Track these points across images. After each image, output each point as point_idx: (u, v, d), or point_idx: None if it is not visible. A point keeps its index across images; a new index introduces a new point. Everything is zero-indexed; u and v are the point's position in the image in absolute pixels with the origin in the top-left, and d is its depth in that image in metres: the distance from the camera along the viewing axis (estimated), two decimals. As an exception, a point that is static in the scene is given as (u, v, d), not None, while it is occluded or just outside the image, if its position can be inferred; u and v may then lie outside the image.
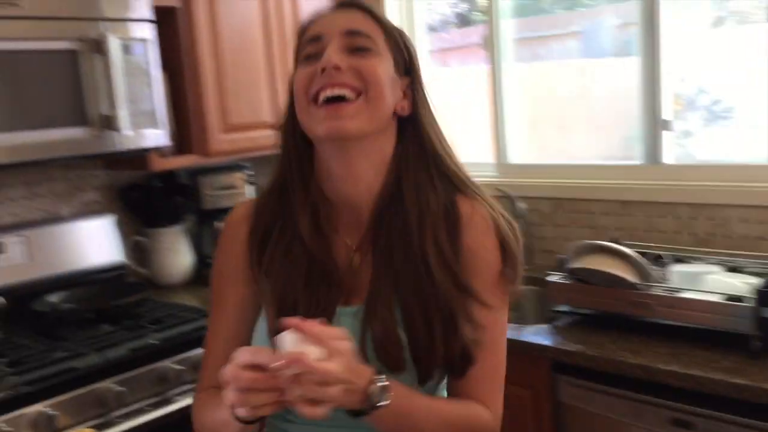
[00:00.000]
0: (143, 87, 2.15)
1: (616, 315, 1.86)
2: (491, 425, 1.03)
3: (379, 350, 0.96)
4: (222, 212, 2.58)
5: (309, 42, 1.02)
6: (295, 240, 1.02)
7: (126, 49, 2.10)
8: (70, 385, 1.75)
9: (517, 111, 2.72)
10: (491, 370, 1.04)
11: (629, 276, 1.83)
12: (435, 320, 0.97)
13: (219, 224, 2.57)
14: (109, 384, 1.80)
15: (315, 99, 0.98)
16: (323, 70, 0.97)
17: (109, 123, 2.05)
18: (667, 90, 2.33)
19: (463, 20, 2.99)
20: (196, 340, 1.98)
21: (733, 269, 1.92)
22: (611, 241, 1.97)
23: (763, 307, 1.59)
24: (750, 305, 1.62)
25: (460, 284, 0.99)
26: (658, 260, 2.03)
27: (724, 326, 1.67)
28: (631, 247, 1.94)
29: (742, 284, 1.75)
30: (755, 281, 1.75)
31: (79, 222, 2.37)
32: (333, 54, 0.97)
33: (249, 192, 2.65)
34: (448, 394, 1.07)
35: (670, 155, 2.35)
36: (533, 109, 2.74)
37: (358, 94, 0.98)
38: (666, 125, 2.33)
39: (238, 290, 1.07)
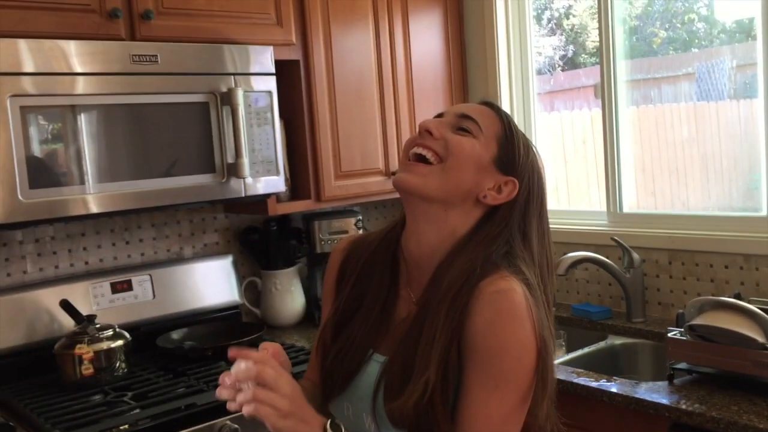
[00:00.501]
0: (264, 136, 2.26)
1: (741, 375, 1.77)
2: None
3: (389, 404, 1.04)
4: (333, 256, 2.67)
5: (435, 117, 1.15)
6: (368, 279, 1.16)
7: (250, 100, 2.23)
8: (190, 421, 1.83)
9: (630, 157, 2.66)
10: None
11: (755, 335, 1.73)
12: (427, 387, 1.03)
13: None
14: (225, 421, 1.87)
15: (407, 154, 1.11)
16: (420, 132, 1.11)
17: (233, 171, 2.17)
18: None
19: (570, 63, 2.97)
20: (307, 381, 2.03)
21: None
22: (734, 297, 1.88)
23: None
24: None
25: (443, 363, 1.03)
26: (786, 318, 1.92)
27: None
28: (755, 304, 1.84)
29: None
30: None
31: (201, 262, 2.50)
32: (432, 122, 1.10)
33: (359, 237, 2.71)
34: None
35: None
36: (646, 155, 2.67)
37: (440, 160, 1.08)
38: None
39: (329, 307, 1.24)
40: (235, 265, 2.58)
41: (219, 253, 2.60)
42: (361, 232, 2.71)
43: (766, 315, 1.77)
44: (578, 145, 2.89)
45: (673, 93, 2.68)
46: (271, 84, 2.28)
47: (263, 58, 2.26)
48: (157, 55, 2.03)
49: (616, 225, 2.63)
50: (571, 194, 2.94)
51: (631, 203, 2.66)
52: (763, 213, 2.28)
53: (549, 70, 3.01)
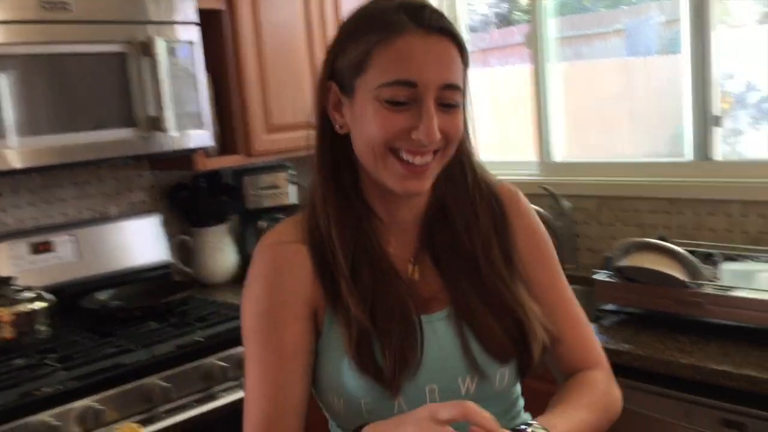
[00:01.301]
0: (189, 89, 2.18)
1: (665, 314, 1.82)
2: (608, 380, 1.08)
3: (485, 342, 0.98)
4: (265, 212, 2.62)
5: (399, 84, 0.92)
6: (364, 257, 0.99)
7: (172, 51, 2.14)
8: (118, 381, 1.78)
9: (560, 109, 2.69)
10: (579, 333, 1.08)
11: (679, 274, 1.78)
12: (506, 320, 0.99)
13: (263, 224, 2.61)
14: (155, 380, 1.83)
15: (393, 150, 0.94)
16: (419, 141, 0.93)
17: (155, 124, 2.09)
18: (716, 86, 2.27)
19: (504, 20, 2.96)
20: (240, 337, 2.00)
21: (787, 267, 1.86)
22: (659, 239, 1.93)
23: (820, 305, 1.54)
24: (806, 304, 1.56)
25: (512, 291, 1.01)
26: (708, 258, 1.98)
27: (779, 326, 1.61)
28: (680, 246, 1.89)
29: (798, 282, 1.70)
30: (812, 279, 1.69)
31: (127, 221, 2.42)
32: (435, 129, 0.92)
33: (292, 191, 2.67)
34: (557, 375, 1.10)
35: (719, 152, 2.29)
36: (577, 108, 2.69)
37: (437, 150, 0.97)
38: (716, 121, 2.28)
39: (299, 327, 0.98)
40: (164, 223, 2.51)
41: (146, 211, 2.52)
42: (292, 186, 2.67)
43: (689, 255, 1.82)
44: (513, 100, 2.90)
45: (603, 49, 2.70)
46: (193, 34, 2.19)
47: (185, 6, 2.16)
48: (68, 2, 1.92)
49: (546, 174, 2.66)
50: (507, 148, 2.95)
51: (563, 154, 2.68)
52: (687, 158, 2.34)
53: (484, 27, 3.00)
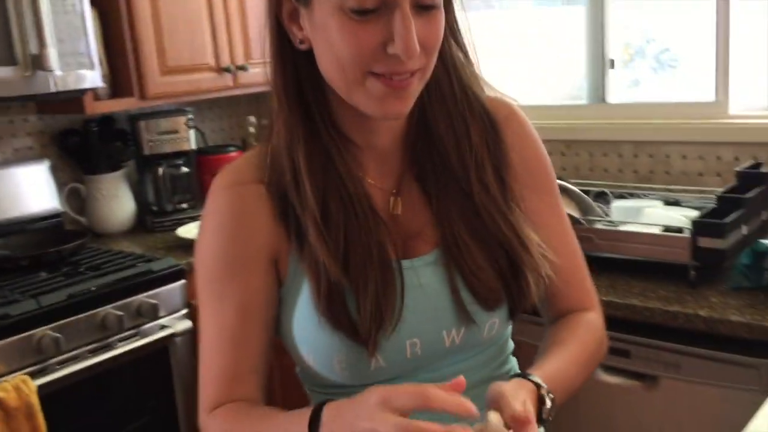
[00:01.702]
0: (74, 25, 2.05)
1: (559, 250, 1.87)
2: (601, 322, 1.00)
3: (476, 290, 0.86)
4: (163, 158, 2.53)
5: None
6: (335, 193, 0.85)
7: (54, -15, 2.00)
8: (4, 333, 1.70)
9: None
10: (577, 270, 0.98)
11: (572, 211, 1.84)
12: (498, 255, 0.87)
13: (166, 170, 2.52)
14: (45, 331, 1.76)
15: (369, 72, 0.79)
16: (399, 55, 0.77)
17: (38, 63, 1.96)
18: (613, 33, 2.33)
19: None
20: (136, 285, 1.94)
21: (672, 203, 1.95)
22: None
23: (698, 237, 1.62)
24: (687, 236, 1.64)
25: (508, 219, 0.88)
26: (601, 197, 2.05)
27: (663, 257, 1.69)
28: (575, 185, 1.95)
29: (681, 217, 1.78)
30: (693, 214, 1.78)
31: (12, 168, 2.28)
32: (415, 40, 0.76)
33: (192, 137, 2.58)
34: (546, 315, 1.01)
35: (615, 97, 2.36)
36: (486, 55, 2.71)
37: (422, 63, 0.81)
38: (611, 65, 2.34)
39: (258, 280, 0.87)
40: (53, 170, 2.38)
41: (33, 158, 2.38)
42: (192, 132, 2.58)
43: (581, 192, 1.87)
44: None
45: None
46: (77, -34, 2.05)
47: (66, -64, 2.02)
48: (-69, -74, 1.76)
49: (450, 118, 2.67)
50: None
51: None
52: (583, 101, 2.40)
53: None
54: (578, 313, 0.97)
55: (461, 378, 0.71)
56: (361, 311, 0.82)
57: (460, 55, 0.91)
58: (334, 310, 0.83)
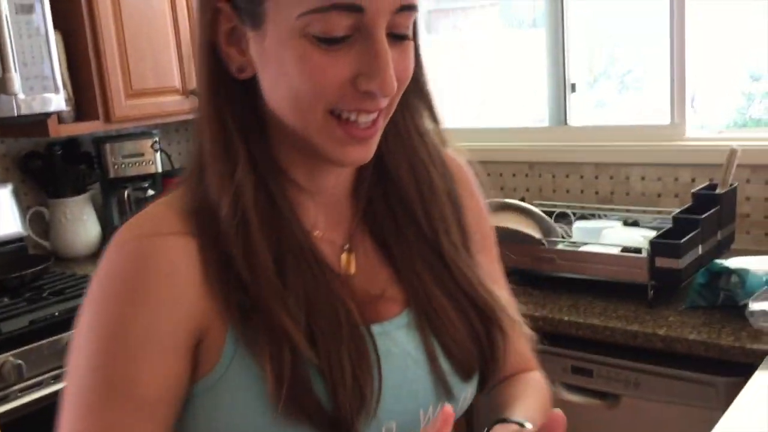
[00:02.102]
0: (38, 49, 2.05)
1: (522, 270, 1.91)
2: (546, 382, 0.92)
3: (455, 356, 0.75)
4: (129, 181, 2.52)
5: (337, 9, 0.62)
6: (288, 248, 0.70)
7: (19, 8, 2.00)
8: (-36, 360, 1.67)
9: (431, 79, 2.74)
10: (521, 331, 0.85)
11: (534, 232, 1.87)
12: (471, 316, 0.77)
13: (132, 193, 2.51)
14: (7, 357, 1.73)
15: (331, 110, 0.66)
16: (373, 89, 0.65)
17: (1, 86, 1.95)
18: (575, 58, 2.38)
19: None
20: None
21: (632, 224, 2.00)
22: (518, 201, 2.01)
23: (656, 257, 1.66)
24: (644, 257, 1.68)
25: (477, 275, 0.79)
26: (564, 217, 2.09)
27: (622, 277, 1.73)
28: (538, 206, 1.99)
29: (639, 237, 1.82)
30: (651, 234, 1.82)
31: (-26, 192, 2.25)
32: (393, 74, 0.65)
33: (158, 160, 2.57)
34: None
35: (578, 119, 2.41)
36: (453, 77, 2.76)
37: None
38: (572, 89, 2.40)
39: (169, 363, 0.65)
40: (16, 194, 2.35)
41: (-4, 181, 2.36)
42: (158, 155, 2.58)
43: (542, 214, 1.91)
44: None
45: (480, 21, 2.77)
46: (41, -10, 2.05)
47: (30, -40, 2.02)
48: None
49: (416, 140, 2.70)
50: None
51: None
52: (545, 124, 2.45)
53: None
54: (526, 373, 0.90)
55: (447, 409, 0.61)
56: (338, 392, 0.66)
57: (419, 94, 0.79)
58: (300, 397, 0.65)
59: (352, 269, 0.76)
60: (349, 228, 0.78)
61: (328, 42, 0.63)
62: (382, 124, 0.70)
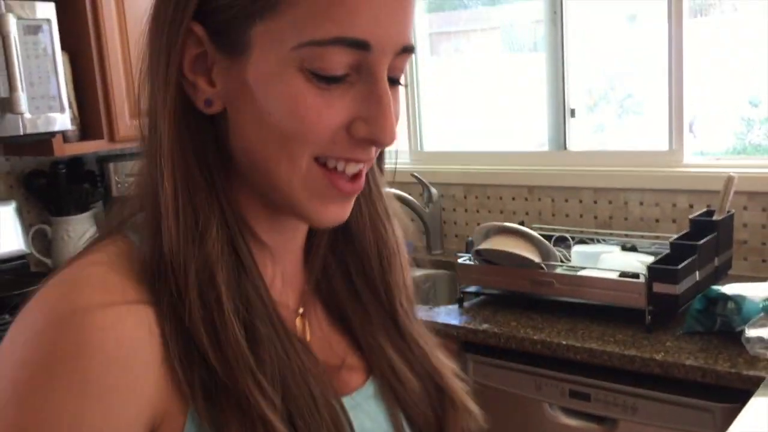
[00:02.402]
0: (45, 69, 2.08)
1: (521, 294, 1.92)
2: None
3: (419, 426, 0.71)
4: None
5: (342, 45, 0.55)
6: (256, 315, 0.60)
7: (26, 29, 2.03)
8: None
9: (433, 102, 2.77)
10: (466, 401, 0.79)
11: (533, 256, 1.89)
12: (428, 385, 0.72)
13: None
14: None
15: (317, 157, 0.59)
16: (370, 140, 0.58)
17: (7, 106, 1.98)
18: (575, 82, 2.42)
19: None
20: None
21: (630, 249, 2.01)
22: (518, 224, 2.03)
23: (654, 282, 1.68)
24: (642, 282, 1.70)
25: (429, 343, 0.74)
26: (563, 241, 2.11)
27: (620, 302, 1.75)
28: (538, 230, 2.01)
29: (637, 263, 1.84)
30: (649, 259, 1.84)
31: (-22, 210, 2.27)
32: (394, 123, 0.58)
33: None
34: None
35: (577, 143, 2.44)
36: (454, 100, 2.79)
37: None
38: (571, 114, 2.42)
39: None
40: (19, 212, 2.37)
41: (0, 199, 2.37)
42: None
43: (542, 238, 1.93)
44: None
45: (481, 44, 2.80)
46: (49, 11, 2.09)
47: (39, -17, 2.06)
48: None
49: (417, 163, 2.73)
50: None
51: (436, 144, 2.77)
52: (545, 148, 2.47)
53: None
54: None
55: None
56: None
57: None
58: None
59: (308, 336, 0.68)
60: (302, 290, 0.70)
61: (327, 80, 0.56)
62: (364, 180, 0.62)
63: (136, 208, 0.62)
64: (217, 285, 0.57)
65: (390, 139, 0.58)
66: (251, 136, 0.59)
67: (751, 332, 1.53)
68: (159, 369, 0.55)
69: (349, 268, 0.71)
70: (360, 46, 0.55)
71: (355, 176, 0.60)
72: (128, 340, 0.54)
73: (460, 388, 0.74)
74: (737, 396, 1.43)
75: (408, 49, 0.59)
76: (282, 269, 0.67)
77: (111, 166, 2.51)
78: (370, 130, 0.58)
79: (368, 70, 0.57)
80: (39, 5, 2.06)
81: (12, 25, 1.96)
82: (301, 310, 0.69)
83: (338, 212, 0.62)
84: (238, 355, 0.56)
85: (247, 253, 0.61)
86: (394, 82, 0.61)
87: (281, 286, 0.66)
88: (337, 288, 0.71)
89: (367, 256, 0.71)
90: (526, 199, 2.44)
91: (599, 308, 1.79)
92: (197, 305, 0.56)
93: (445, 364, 0.74)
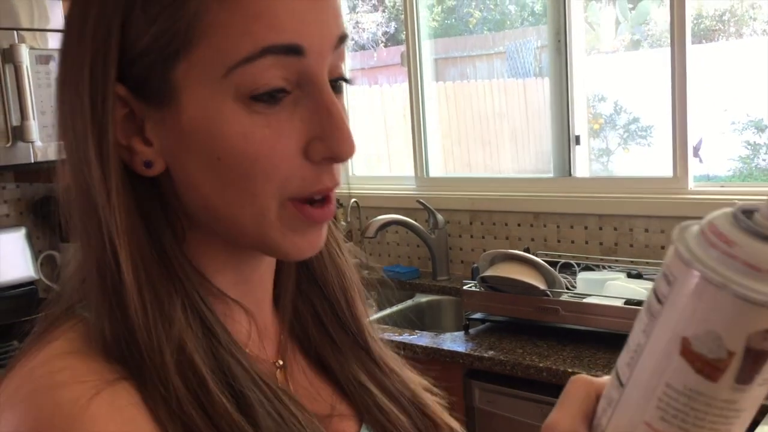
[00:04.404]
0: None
1: (527, 321, 1.92)
2: None
3: None
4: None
5: (274, 53, 0.50)
6: (238, 380, 0.55)
7: (38, 59, 2.07)
8: (-27, 403, 1.69)
9: (437, 127, 2.79)
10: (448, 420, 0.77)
11: (538, 283, 1.89)
12: (413, 415, 0.69)
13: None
14: (15, 401, 1.75)
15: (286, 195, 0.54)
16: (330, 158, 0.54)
17: (19, 134, 2.01)
18: (579, 108, 2.43)
19: (391, 39, 3.05)
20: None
21: (635, 276, 2.01)
22: (523, 251, 2.04)
23: (659, 310, 1.67)
24: (648, 309, 1.69)
25: (404, 370, 0.72)
26: (568, 268, 2.11)
27: (626, 329, 1.72)
28: (543, 256, 2.01)
29: (643, 290, 1.84)
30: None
31: (-12, 236, 2.30)
32: (350, 132, 0.54)
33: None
34: None
35: (582, 169, 2.45)
36: (458, 125, 2.82)
37: None
38: (577, 140, 2.44)
39: None
40: (29, 238, 2.40)
41: (10, 225, 2.40)
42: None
43: (547, 265, 1.93)
44: (399, 116, 2.99)
45: (486, 70, 2.83)
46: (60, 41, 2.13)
47: (51, 14, 2.10)
48: None
49: (423, 189, 2.74)
50: (394, 163, 3.04)
51: (441, 169, 2.79)
52: (550, 174, 2.49)
53: (372, 46, 3.07)
54: None
55: None
56: None
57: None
58: None
59: (292, 388, 0.63)
60: (278, 339, 0.66)
61: (268, 101, 0.51)
62: (334, 202, 0.57)
63: (79, 290, 0.56)
64: (197, 367, 0.52)
65: (350, 151, 0.53)
66: (205, 187, 0.53)
67: (757, 360, 1.52)
68: None
69: (316, 308, 0.67)
70: (292, 51, 0.50)
71: (326, 200, 0.55)
72: (125, 419, 0.49)
73: (438, 408, 0.71)
74: (744, 425, 1.42)
75: (343, 38, 0.54)
76: (255, 321, 0.61)
77: (120, 192, 2.54)
78: (328, 147, 0.53)
79: (308, 80, 0.52)
80: (51, 35, 2.10)
81: (24, 55, 2.00)
82: (279, 363, 0.64)
83: (316, 241, 0.57)
84: (234, 427, 0.52)
85: (216, 320, 0.56)
86: (337, 87, 0.55)
87: (258, 340, 0.61)
88: (310, 331, 0.67)
89: (333, 293, 0.67)
90: (532, 226, 2.45)
91: (605, 336, 1.79)
92: (181, 388, 0.51)
93: (417, 382, 0.72)
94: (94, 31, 0.51)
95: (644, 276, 2.00)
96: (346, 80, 0.56)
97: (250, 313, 0.60)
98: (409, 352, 1.96)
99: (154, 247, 0.54)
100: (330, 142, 0.52)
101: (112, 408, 0.48)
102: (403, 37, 2.78)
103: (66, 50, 0.54)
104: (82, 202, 0.54)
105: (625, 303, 1.76)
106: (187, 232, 0.56)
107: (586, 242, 2.34)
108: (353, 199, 2.75)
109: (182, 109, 0.51)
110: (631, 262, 2.14)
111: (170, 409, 0.51)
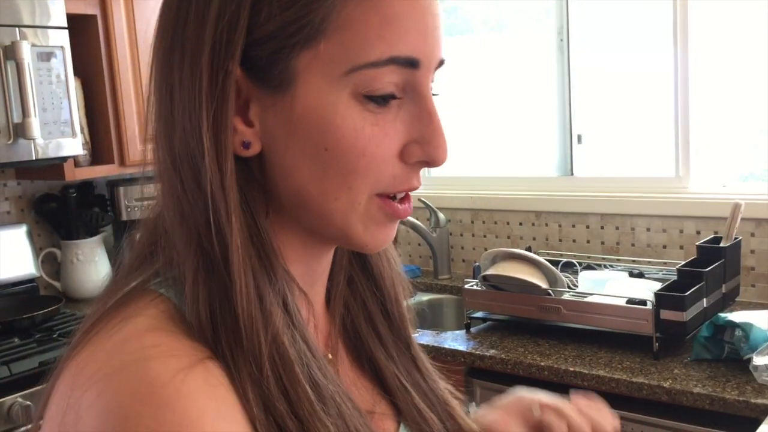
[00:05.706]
0: (57, 95, 2.11)
1: (528, 320, 1.92)
2: None
3: None
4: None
5: (396, 64, 0.53)
6: (309, 369, 0.55)
7: (40, 56, 2.06)
8: (-26, 400, 1.69)
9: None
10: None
11: (540, 282, 1.89)
12: (446, 419, 0.70)
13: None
14: (16, 398, 1.75)
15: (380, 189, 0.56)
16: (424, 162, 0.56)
17: (21, 131, 2.01)
18: (581, 107, 2.43)
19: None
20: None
21: (637, 275, 2.01)
22: (525, 250, 2.03)
23: (661, 309, 1.67)
24: (650, 308, 1.70)
25: (441, 377, 0.73)
26: (570, 267, 2.11)
27: (627, 328, 1.74)
28: (545, 255, 2.01)
29: (644, 289, 1.84)
30: (656, 286, 1.84)
31: (-11, 233, 2.30)
32: (447, 140, 0.56)
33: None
34: None
35: (584, 169, 2.45)
36: (460, 125, 2.81)
37: None
38: (578, 140, 2.44)
39: None
40: (30, 235, 2.39)
41: (11, 223, 2.40)
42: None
43: (548, 264, 1.93)
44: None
45: (487, 69, 2.82)
46: (63, 39, 2.12)
47: (53, 11, 2.09)
48: None
49: (424, 187, 2.73)
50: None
51: (443, 168, 2.78)
52: (552, 174, 2.49)
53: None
54: None
55: None
56: None
57: None
58: None
59: (339, 376, 0.62)
60: (327, 334, 0.66)
61: (381, 103, 0.53)
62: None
63: (158, 264, 0.56)
64: (287, 354, 0.53)
65: (445, 158, 0.56)
66: (303, 176, 0.54)
67: (759, 360, 1.52)
68: (243, 414, 0.50)
69: (367, 303, 0.68)
70: (411, 64, 0.53)
71: (406, 198, 0.58)
72: (221, 392, 0.49)
73: (462, 412, 0.72)
74: (745, 424, 1.42)
75: (442, 62, 0.58)
76: (314, 313, 0.61)
77: (121, 190, 2.54)
78: (425, 152, 0.55)
79: (414, 89, 0.54)
80: (52, 32, 2.09)
81: (26, 51, 1.99)
82: (329, 356, 0.64)
83: (392, 234, 0.59)
84: (313, 417, 0.52)
85: (296, 311, 0.56)
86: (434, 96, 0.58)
87: (314, 331, 0.60)
88: (358, 326, 0.67)
89: (385, 287, 0.68)
90: (533, 225, 2.45)
91: (606, 335, 1.79)
92: (271, 377, 0.52)
93: (444, 386, 0.72)
94: (219, 10, 0.51)
95: (646, 275, 2.00)
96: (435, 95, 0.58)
97: (311, 305, 0.60)
98: (411, 351, 1.95)
99: (260, 234, 0.54)
100: (428, 147, 0.55)
101: (206, 384, 0.48)
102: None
103: (178, 26, 0.54)
104: (186, 174, 0.53)
105: (627, 302, 1.76)
106: (274, 220, 0.57)
107: (588, 241, 2.34)
108: (354, 198, 2.75)
109: (297, 96, 0.52)
110: (633, 261, 2.14)
111: (259, 392, 0.51)
